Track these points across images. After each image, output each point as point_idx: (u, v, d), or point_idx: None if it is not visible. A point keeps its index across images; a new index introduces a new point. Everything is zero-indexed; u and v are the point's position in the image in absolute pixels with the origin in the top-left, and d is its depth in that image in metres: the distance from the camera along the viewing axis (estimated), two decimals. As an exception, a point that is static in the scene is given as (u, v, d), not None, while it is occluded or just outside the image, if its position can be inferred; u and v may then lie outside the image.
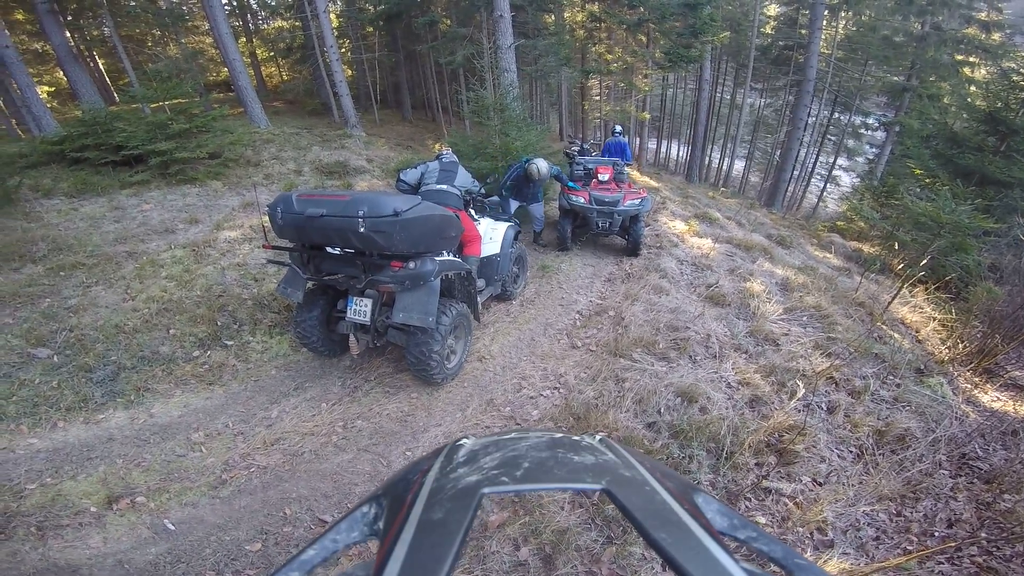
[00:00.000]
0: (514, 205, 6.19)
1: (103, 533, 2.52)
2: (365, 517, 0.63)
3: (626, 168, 7.45)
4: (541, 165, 5.63)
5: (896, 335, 5.41)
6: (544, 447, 0.69)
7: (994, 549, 2.77)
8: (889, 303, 5.90)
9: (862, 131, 20.51)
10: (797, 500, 2.91)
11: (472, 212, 4.75)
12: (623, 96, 17.39)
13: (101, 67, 16.84)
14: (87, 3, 11.53)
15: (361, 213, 2.86)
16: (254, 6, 18.89)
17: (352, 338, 3.80)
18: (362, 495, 2.69)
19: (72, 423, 3.33)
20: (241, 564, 2.40)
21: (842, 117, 20.24)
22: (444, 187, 4.31)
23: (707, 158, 21.71)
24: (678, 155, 26.24)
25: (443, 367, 3.67)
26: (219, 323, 4.48)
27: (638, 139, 18.42)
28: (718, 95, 22.28)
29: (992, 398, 4.64)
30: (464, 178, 4.45)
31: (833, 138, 21.23)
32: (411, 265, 3.21)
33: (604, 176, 6.63)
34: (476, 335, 4.59)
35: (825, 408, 3.80)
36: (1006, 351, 5.19)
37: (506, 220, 5.11)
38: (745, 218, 10.18)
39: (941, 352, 5.36)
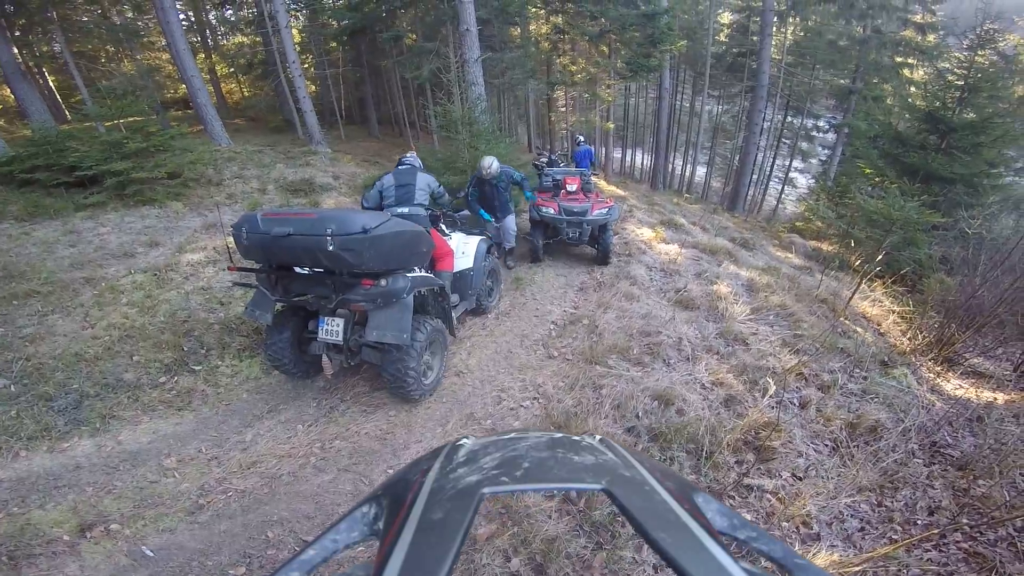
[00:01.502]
0: (510, 230, 6.29)
1: (79, 561, 2.43)
2: (365, 517, 0.62)
3: (592, 178, 7.57)
4: (486, 160, 5.60)
5: (859, 329, 5.61)
6: (544, 447, 0.69)
7: (977, 535, 2.81)
8: (850, 299, 6.11)
9: (814, 133, 21.35)
10: (779, 495, 2.94)
11: (443, 227, 4.73)
12: (588, 107, 17.71)
13: (51, 84, 16.15)
14: (36, 19, 11.08)
15: (329, 231, 2.79)
16: (213, 22, 18.53)
17: (325, 358, 3.68)
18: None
19: (35, 452, 3.19)
20: (227, 589, 2.30)
21: (795, 120, 21.00)
22: (406, 210, 4.19)
23: (670, 165, 22.18)
24: (642, 163, 26.80)
25: (420, 383, 3.61)
26: (185, 348, 4.32)
27: (603, 149, 18.71)
28: (678, 103, 22.85)
29: (955, 386, 4.80)
30: (425, 185, 4.32)
31: (787, 141, 21.99)
32: (383, 282, 3.15)
33: (572, 186, 6.72)
34: (453, 350, 4.54)
35: (797, 404, 3.89)
36: (963, 339, 5.40)
37: (478, 234, 5.09)
38: (709, 223, 10.45)
39: (903, 344, 5.57)
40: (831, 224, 9.32)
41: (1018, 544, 2.71)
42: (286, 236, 2.89)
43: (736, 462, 3.18)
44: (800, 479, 3.13)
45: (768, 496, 2.95)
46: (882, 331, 5.99)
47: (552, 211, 6.27)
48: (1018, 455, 3.42)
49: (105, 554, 2.48)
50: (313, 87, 17.17)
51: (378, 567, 0.46)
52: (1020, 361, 5.44)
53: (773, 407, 3.69)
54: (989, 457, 3.44)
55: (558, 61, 15.44)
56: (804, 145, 21.64)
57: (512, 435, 0.76)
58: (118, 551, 2.50)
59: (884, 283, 6.98)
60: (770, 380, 3.66)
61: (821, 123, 21.10)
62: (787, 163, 22.52)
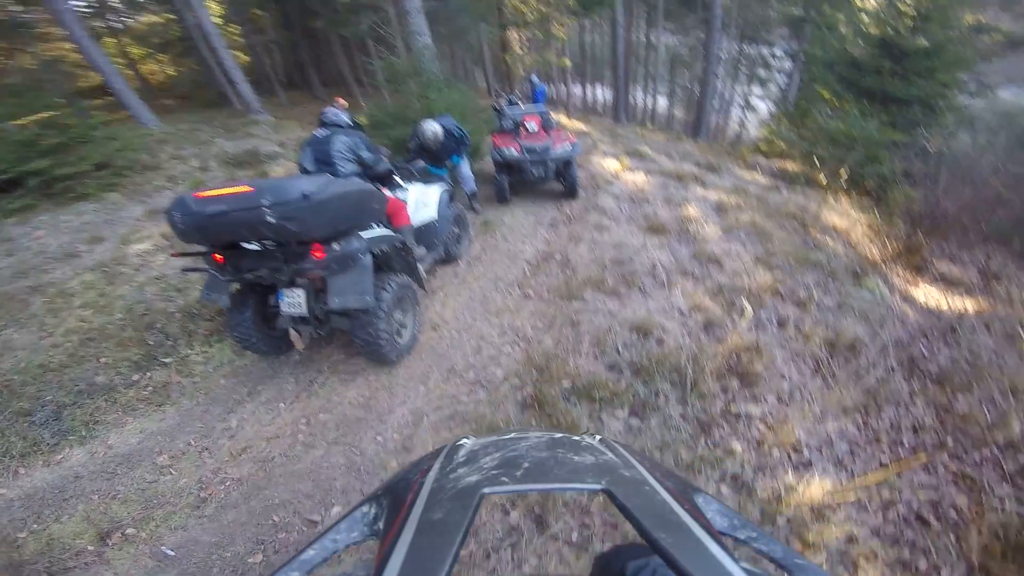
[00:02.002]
0: (464, 173, 6.04)
1: (111, 569, 2.41)
2: (365, 517, 0.63)
3: (552, 114, 7.37)
4: (426, 126, 5.30)
5: (829, 240, 5.63)
6: (544, 447, 0.69)
7: (963, 454, 2.81)
8: (818, 212, 6.13)
9: (771, 61, 21.10)
10: (767, 421, 2.92)
11: (397, 179, 4.49)
12: (544, 46, 17.04)
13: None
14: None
15: (266, 203, 2.58)
16: (114, 4, 16.86)
17: (293, 332, 3.52)
18: (343, 488, 2.62)
19: (33, 468, 3.10)
20: (251, 576, 2.32)
21: (750, 50, 20.75)
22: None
23: (631, 98, 21.81)
24: (604, 98, 26.24)
25: (395, 344, 3.49)
26: (151, 342, 4.07)
27: (563, 86, 18.21)
28: (634, 37, 22.22)
29: (925, 292, 4.82)
30: (346, 150, 3.81)
31: (745, 70, 21.79)
32: (335, 247, 2.97)
33: (532, 125, 6.57)
34: (426, 303, 4.40)
35: (775, 322, 3.86)
36: (929, 246, 5.50)
37: (438, 183, 4.87)
38: (674, 150, 10.31)
39: (872, 253, 5.60)
40: (795, 145, 9.34)
41: (1003, 464, 2.70)
42: (222, 215, 2.67)
43: (721, 389, 3.15)
44: (786, 403, 3.11)
45: (756, 423, 2.92)
46: (851, 242, 5.99)
47: (514, 151, 6.15)
48: (993, 368, 3.44)
49: (131, 559, 2.47)
50: (245, 57, 16.06)
51: (378, 567, 0.46)
52: (984, 266, 5.59)
53: (752, 328, 3.67)
54: (966, 371, 3.43)
55: (508, 3, 14.71)
56: (762, 72, 21.43)
57: (512, 435, 0.75)
58: (142, 554, 2.49)
59: (849, 196, 7.04)
60: (746, 303, 3.62)
61: (777, 51, 20.83)
62: (746, 90, 22.44)
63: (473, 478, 0.59)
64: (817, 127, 8.32)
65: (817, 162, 8.08)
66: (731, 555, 0.46)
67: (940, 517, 2.42)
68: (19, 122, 6.95)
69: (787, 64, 20.47)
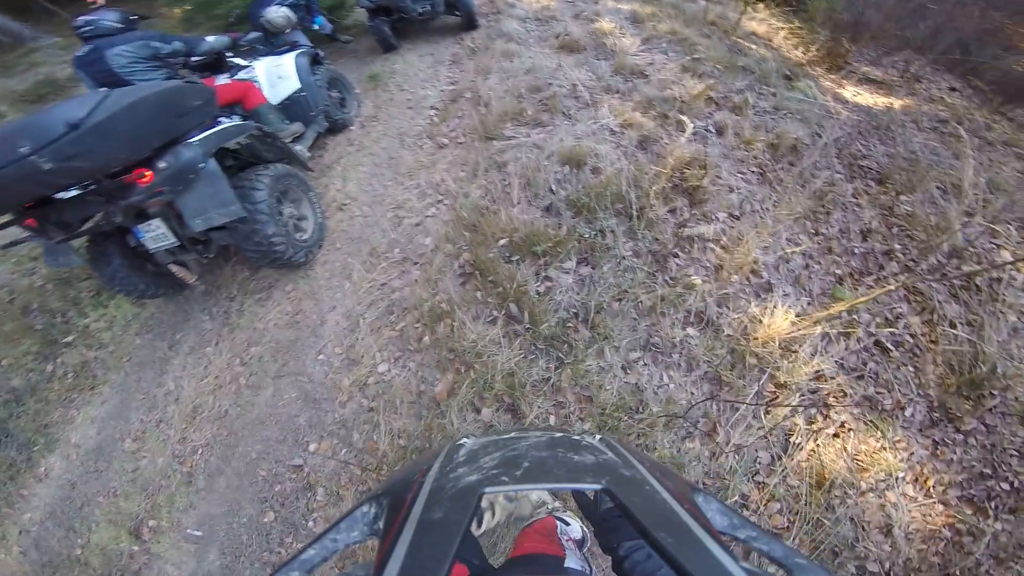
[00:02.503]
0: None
1: (165, 561, 2.29)
2: (365, 517, 0.62)
3: None
4: (271, 17, 3.95)
5: (752, 46, 5.18)
6: (544, 447, 0.68)
7: (911, 263, 2.74)
8: (739, 18, 5.57)
9: None
10: (722, 242, 2.67)
11: (237, 61, 3.56)
12: None
13: None
14: None
15: (26, 150, 1.89)
16: None
17: (175, 267, 2.88)
18: (310, 422, 2.43)
19: (30, 487, 2.80)
20: (275, 535, 2.19)
21: None
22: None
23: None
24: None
25: (296, 243, 2.88)
26: (39, 327, 3.31)
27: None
28: None
29: (853, 92, 4.72)
30: (127, 56, 2.78)
31: None
32: (161, 165, 2.27)
33: None
34: (323, 182, 3.66)
35: (714, 131, 3.49)
36: (853, 51, 5.25)
37: (288, 49, 3.85)
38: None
39: (797, 57, 5.31)
40: None
41: (948, 274, 2.67)
42: None
43: (669, 211, 2.82)
44: (737, 218, 2.88)
45: (711, 246, 2.67)
46: (775, 47, 5.63)
47: None
48: (930, 166, 3.36)
49: (173, 548, 2.32)
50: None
51: (378, 567, 0.46)
52: (904, 68, 5.47)
53: (692, 140, 3.28)
54: (904, 167, 3.34)
55: None
56: None
57: (512, 435, 0.75)
58: (179, 542, 2.34)
59: (767, 4, 6.45)
60: (684, 117, 3.16)
61: None
62: None
63: (473, 478, 0.58)
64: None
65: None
66: (731, 555, 0.45)
67: (899, 344, 2.40)
68: None
69: None
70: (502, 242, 2.65)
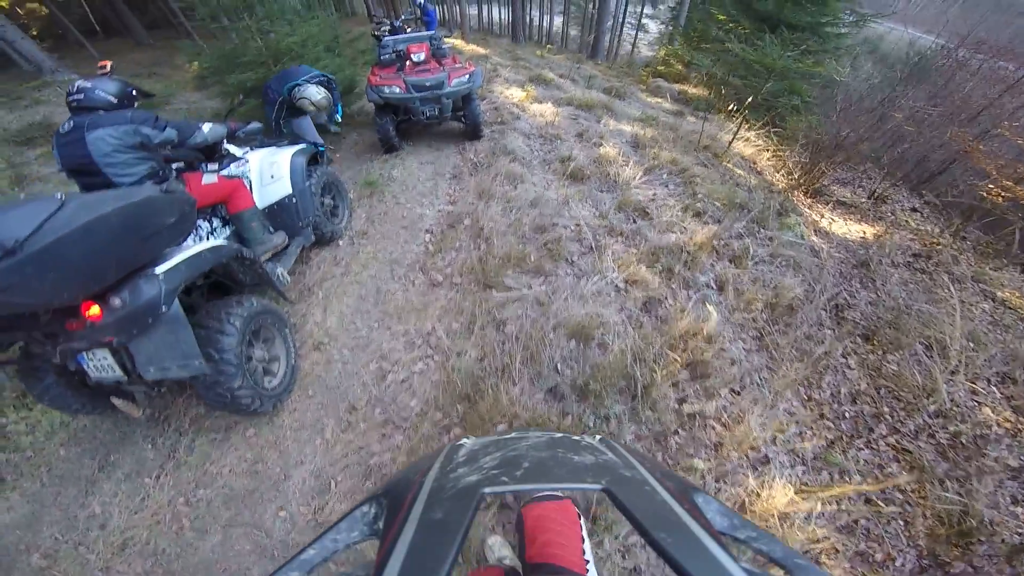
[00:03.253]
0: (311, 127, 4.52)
1: None
2: (365, 517, 0.61)
3: (445, 38, 5.92)
4: (313, 97, 3.96)
5: (740, 171, 5.22)
6: (544, 447, 0.68)
7: (899, 424, 2.75)
8: (730, 144, 5.66)
9: None
10: (723, 420, 2.48)
11: (229, 148, 3.16)
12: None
13: None
14: None
15: None
16: None
17: (119, 401, 2.40)
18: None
19: None
20: None
21: None
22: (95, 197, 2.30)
23: (528, 17, 19.98)
24: (500, 17, 24.10)
25: (263, 393, 2.46)
26: None
27: (456, 7, 16.02)
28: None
29: (830, 220, 4.79)
30: (111, 143, 2.34)
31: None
32: (115, 303, 1.87)
33: (419, 55, 5.12)
34: (301, 308, 3.31)
35: (716, 287, 3.35)
36: (827, 173, 5.46)
37: (287, 144, 3.55)
38: (577, 74, 9.34)
39: (780, 182, 5.38)
40: (706, 71, 8.80)
41: (936, 435, 2.71)
42: None
43: (672, 385, 2.62)
44: (738, 393, 2.73)
45: (712, 424, 2.49)
46: (759, 169, 5.73)
47: (398, 90, 4.72)
48: (910, 317, 3.40)
49: None
50: (40, 7, 12.01)
51: (378, 567, 0.45)
52: (871, 190, 5.82)
53: (692, 297, 3.14)
54: (890, 323, 3.37)
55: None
56: None
57: (512, 435, 0.74)
58: None
59: (750, 123, 6.66)
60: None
61: None
62: (639, 10, 21.56)
63: (473, 478, 0.58)
64: (725, 53, 7.79)
65: (722, 90, 7.62)
66: (731, 555, 0.45)
67: (888, 500, 2.39)
68: None
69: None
70: (500, 427, 2.34)
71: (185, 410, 2.79)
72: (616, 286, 3.16)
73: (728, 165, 5.26)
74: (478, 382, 2.54)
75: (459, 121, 5.43)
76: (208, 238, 2.83)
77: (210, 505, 2.35)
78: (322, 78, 4.23)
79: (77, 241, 1.63)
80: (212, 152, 3.06)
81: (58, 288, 1.68)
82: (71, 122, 2.31)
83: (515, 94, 6.96)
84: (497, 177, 4.38)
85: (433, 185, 4.64)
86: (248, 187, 3.12)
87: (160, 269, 1.98)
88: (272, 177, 3.27)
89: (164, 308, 1.93)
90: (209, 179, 2.81)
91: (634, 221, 3.85)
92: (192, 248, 2.21)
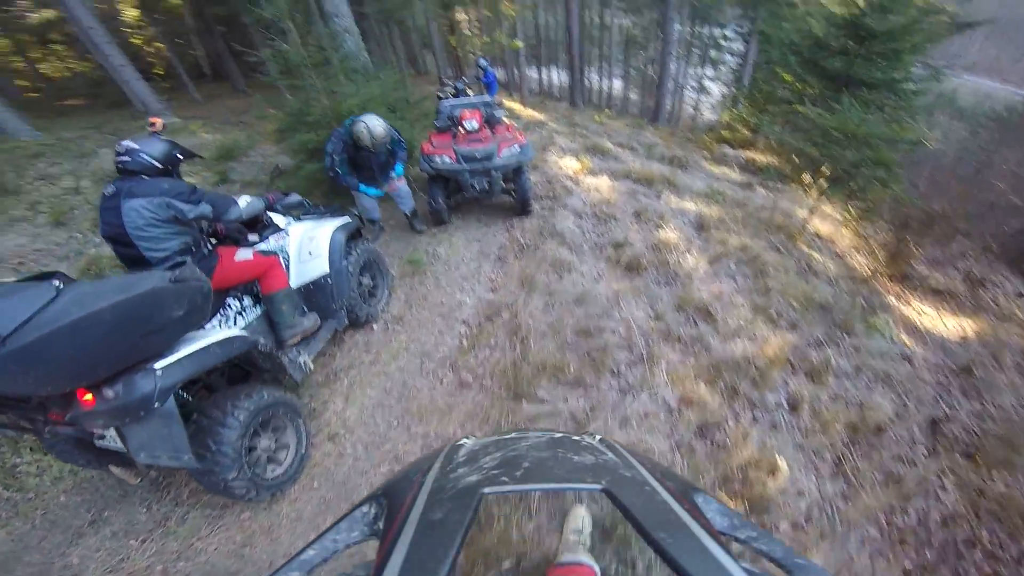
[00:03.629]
0: (368, 197, 4.45)
1: None
2: (365, 517, 0.61)
3: (500, 107, 5.83)
4: (372, 123, 3.91)
5: (817, 255, 4.61)
6: (544, 447, 0.68)
7: (998, 551, 2.29)
8: (806, 223, 5.09)
9: (722, 42, 19.95)
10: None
11: (272, 219, 3.12)
12: (495, 26, 15.37)
13: None
14: None
15: None
16: None
17: (117, 469, 2.39)
18: None
19: None
20: None
21: (702, 30, 19.55)
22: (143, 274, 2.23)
23: (587, 81, 20.37)
24: (560, 81, 24.80)
25: (262, 482, 2.35)
26: None
27: (515, 70, 16.63)
28: (588, 19, 20.63)
29: (919, 311, 4.10)
30: (144, 216, 2.26)
31: (698, 51, 20.62)
32: (108, 394, 1.77)
33: (471, 123, 4.92)
34: (324, 393, 3.16)
35: (787, 407, 2.81)
36: (916, 254, 4.74)
37: (331, 218, 3.45)
38: (636, 141, 9.12)
39: (863, 267, 4.73)
40: (776, 138, 8.30)
41: None
42: None
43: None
44: (803, 527, 2.25)
45: (765, 565, 1.91)
46: (838, 251, 5.08)
47: (448, 160, 4.61)
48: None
49: None
50: (161, 47, 13.66)
51: (378, 567, 0.45)
52: (967, 270, 5.01)
53: (757, 419, 2.63)
54: (997, 438, 2.82)
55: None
56: (713, 53, 20.29)
57: (512, 435, 0.74)
58: None
59: (828, 197, 6.04)
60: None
61: (728, 32, 19.70)
62: (700, 72, 21.20)
63: (473, 478, 0.58)
64: (795, 116, 7.29)
65: (796, 159, 7.06)
66: (731, 555, 0.45)
67: None
68: None
69: (738, 46, 19.46)
70: (506, 564, 1.96)
71: (187, 481, 2.71)
72: (668, 406, 2.71)
73: (804, 248, 4.69)
74: (490, 506, 2.17)
75: (509, 195, 5.27)
76: (236, 319, 2.74)
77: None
78: (394, 132, 4.21)
79: (65, 338, 1.54)
80: (254, 223, 3.00)
81: (43, 382, 1.64)
82: (113, 186, 2.30)
83: (570, 165, 6.79)
84: (543, 264, 4.10)
85: (476, 267, 4.43)
86: (285, 263, 3.05)
87: (160, 364, 1.88)
88: (310, 254, 3.17)
89: (157, 405, 1.84)
90: (243, 255, 2.73)
91: (695, 324, 3.39)
92: (200, 340, 2.09)
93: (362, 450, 2.77)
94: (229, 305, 2.73)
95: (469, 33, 16.13)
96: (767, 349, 3.09)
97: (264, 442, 2.43)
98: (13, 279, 2.38)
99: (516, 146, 4.70)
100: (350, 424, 2.93)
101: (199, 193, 2.40)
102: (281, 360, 2.54)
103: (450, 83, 7.33)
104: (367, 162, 4.30)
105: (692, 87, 21.82)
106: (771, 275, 3.91)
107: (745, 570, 0.43)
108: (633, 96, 23.68)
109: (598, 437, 0.74)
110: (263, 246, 2.98)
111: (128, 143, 2.35)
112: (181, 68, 12.28)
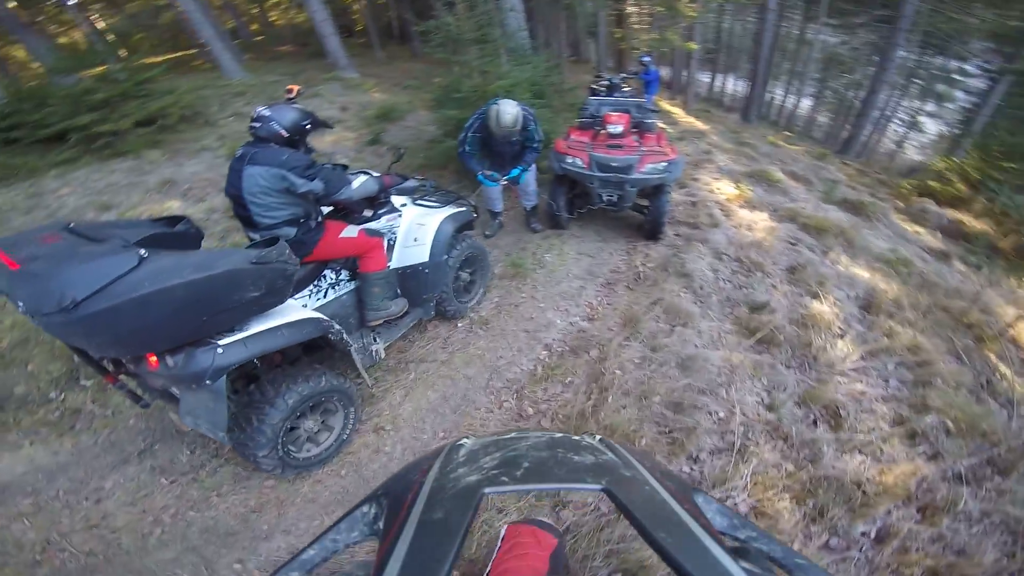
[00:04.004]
0: (493, 187, 4.28)
1: None
2: (365, 517, 0.61)
3: (654, 111, 5.14)
4: (504, 108, 3.69)
5: (1006, 370, 3.41)
6: (544, 447, 0.67)
7: None
8: (1011, 326, 3.83)
9: (957, 76, 16.28)
10: None
11: (391, 201, 3.12)
12: (669, 24, 14.35)
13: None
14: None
15: (21, 307, 1.56)
16: None
17: (174, 416, 2.48)
18: None
19: None
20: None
21: (933, 59, 16.14)
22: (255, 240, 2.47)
23: (768, 95, 18.14)
24: (734, 90, 22.47)
25: (293, 461, 2.43)
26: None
27: (684, 72, 15.38)
28: (784, 29, 18.22)
29: None
30: (261, 185, 2.32)
31: (921, 82, 17.11)
32: (169, 363, 1.89)
33: (616, 127, 4.36)
34: (388, 381, 3.14)
35: (873, 537, 2.17)
36: None
37: (443, 205, 3.35)
38: (814, 174, 7.79)
39: None
40: (1005, 205, 6.58)
41: None
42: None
43: None
44: None
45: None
46: None
47: (580, 163, 4.22)
48: None
49: None
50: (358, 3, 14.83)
51: (378, 567, 0.45)
52: None
53: (832, 547, 2.07)
54: None
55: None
56: (941, 87, 16.68)
57: (512, 435, 0.73)
58: None
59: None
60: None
61: (969, 67, 15.97)
62: (916, 105, 17.72)
63: (473, 478, 0.57)
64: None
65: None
66: (731, 555, 0.45)
67: None
68: (99, 70, 6.60)
69: (979, 83, 15.75)
70: None
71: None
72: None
73: (992, 357, 3.53)
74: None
75: (640, 212, 4.77)
76: (328, 291, 2.81)
77: (188, 528, 2.37)
78: (533, 124, 3.98)
79: (133, 310, 1.58)
80: (373, 199, 3.01)
81: (108, 347, 1.81)
82: (243, 149, 2.40)
83: (724, 190, 5.99)
84: (655, 306, 3.60)
85: (579, 287, 4.07)
86: (391, 243, 3.07)
87: (225, 341, 1.93)
88: (415, 240, 3.13)
89: (209, 383, 1.90)
90: (349, 233, 2.76)
91: (814, 426, 2.71)
92: (273, 319, 2.12)
93: (400, 452, 2.69)
94: (325, 276, 2.78)
95: (638, 28, 15.16)
96: (889, 475, 2.36)
97: (308, 423, 2.46)
98: (149, 217, 2.62)
99: (663, 162, 4.15)
100: (400, 421, 2.87)
101: (315, 169, 2.41)
102: (349, 350, 2.50)
103: (606, 76, 6.82)
104: (499, 148, 4.11)
105: (900, 120, 18.35)
106: (936, 387, 2.98)
107: (745, 570, 0.42)
108: (822, 119, 20.65)
109: (598, 437, 0.73)
110: (373, 225, 3.00)
111: (262, 110, 2.42)
112: (374, 28, 13.30)
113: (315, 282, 2.72)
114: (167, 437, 2.84)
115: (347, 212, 2.98)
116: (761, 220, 5.16)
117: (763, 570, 0.56)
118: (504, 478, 0.56)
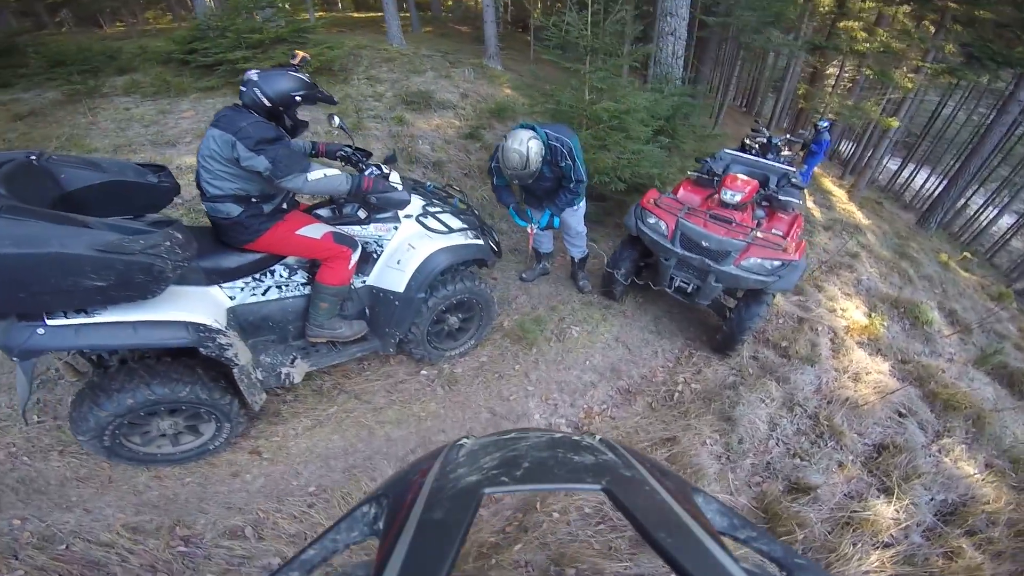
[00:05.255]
0: (524, 225, 3.43)
1: None
2: (365, 517, 0.59)
3: (800, 187, 3.68)
4: (511, 146, 2.79)
5: None
6: (544, 447, 0.65)
7: None
8: None
9: None
10: None
11: (372, 192, 2.33)
12: (871, 92, 11.83)
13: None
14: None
15: None
16: None
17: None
18: None
19: None
20: None
21: None
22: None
23: (962, 201, 14.37)
24: (923, 187, 18.35)
25: (126, 451, 2.11)
26: None
27: (871, 151, 12.68)
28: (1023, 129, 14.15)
29: None
30: (214, 151, 1.96)
31: None
32: None
33: (734, 194, 3.23)
34: (309, 402, 2.69)
35: None
36: None
37: (447, 231, 2.64)
38: (980, 322, 5.70)
39: None
40: None
41: None
42: None
43: None
44: None
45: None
46: None
47: (663, 229, 3.21)
48: None
49: None
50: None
51: (378, 567, 0.43)
52: None
53: None
54: None
55: (842, 25, 10.13)
56: None
57: (512, 435, 0.70)
58: None
59: None
60: None
61: None
62: None
63: (473, 478, 0.55)
64: None
65: None
66: (731, 555, 0.43)
67: None
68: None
69: None
70: None
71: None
72: None
73: None
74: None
75: (720, 315, 3.61)
76: (271, 289, 2.36)
77: (11, 471, 2.15)
78: (563, 145, 2.92)
79: None
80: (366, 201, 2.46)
81: None
82: (223, 111, 2.03)
83: (850, 314, 4.50)
84: (664, 446, 2.60)
85: (591, 383, 3.15)
86: (374, 257, 2.57)
87: (55, 323, 1.64)
88: (398, 263, 2.54)
89: (16, 360, 1.67)
90: (310, 232, 2.27)
91: None
92: (139, 312, 1.76)
93: (258, 486, 2.22)
94: (273, 272, 2.33)
95: (831, 89, 12.69)
96: None
97: (164, 423, 2.13)
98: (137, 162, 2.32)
99: (776, 260, 2.97)
100: (282, 455, 2.37)
101: (272, 148, 1.92)
102: (233, 369, 2.07)
103: (765, 131, 5.42)
104: (526, 184, 3.15)
105: None
106: None
107: (745, 570, 0.40)
108: (1016, 244, 16.05)
109: (598, 437, 0.68)
110: (353, 229, 2.47)
111: (251, 74, 2.03)
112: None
113: (257, 275, 2.28)
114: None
115: (337, 208, 2.49)
116: (877, 372, 3.69)
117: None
118: (504, 478, 0.54)
